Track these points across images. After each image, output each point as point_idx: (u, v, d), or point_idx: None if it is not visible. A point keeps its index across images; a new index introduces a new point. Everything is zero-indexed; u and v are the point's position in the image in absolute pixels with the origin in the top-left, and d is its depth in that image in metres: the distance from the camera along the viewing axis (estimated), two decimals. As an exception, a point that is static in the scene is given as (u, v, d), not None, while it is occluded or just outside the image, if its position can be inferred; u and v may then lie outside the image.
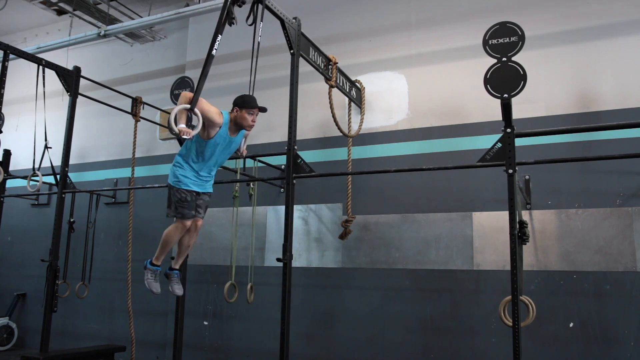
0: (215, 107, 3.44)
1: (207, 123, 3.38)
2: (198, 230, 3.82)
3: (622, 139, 4.31)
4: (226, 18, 3.31)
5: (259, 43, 3.48)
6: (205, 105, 3.35)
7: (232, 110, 3.55)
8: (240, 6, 3.40)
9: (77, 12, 7.01)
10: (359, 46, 5.71)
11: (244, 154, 3.84)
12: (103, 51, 7.73)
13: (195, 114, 3.23)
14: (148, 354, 6.17)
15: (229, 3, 3.29)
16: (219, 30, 3.27)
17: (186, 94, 3.32)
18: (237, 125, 3.56)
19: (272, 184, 5.70)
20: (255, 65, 3.48)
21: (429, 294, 4.89)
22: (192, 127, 3.26)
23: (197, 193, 3.62)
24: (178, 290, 4.00)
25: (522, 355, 3.01)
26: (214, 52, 3.24)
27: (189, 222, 3.63)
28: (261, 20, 3.47)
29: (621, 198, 4.39)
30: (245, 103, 3.52)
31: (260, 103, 3.57)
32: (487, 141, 3.58)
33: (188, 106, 3.19)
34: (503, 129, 3.28)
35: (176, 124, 3.14)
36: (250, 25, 3.45)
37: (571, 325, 4.35)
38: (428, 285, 4.91)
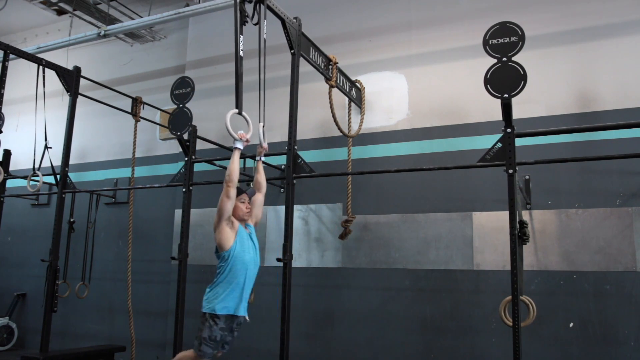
0: (225, 229, 3.50)
1: (231, 232, 3.49)
2: None
3: (622, 139, 4.31)
4: (241, 17, 3.32)
5: (264, 41, 3.48)
6: (225, 232, 3.48)
7: None
8: (250, 1, 3.41)
9: (77, 12, 7.01)
10: (359, 46, 5.71)
11: (265, 149, 3.89)
12: (103, 51, 7.73)
13: (245, 118, 3.48)
14: (148, 354, 6.17)
15: (240, 2, 3.30)
16: (238, 30, 3.27)
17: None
18: (238, 219, 3.61)
19: (272, 184, 5.70)
20: (264, 63, 3.49)
21: (429, 294, 4.89)
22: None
23: (234, 319, 3.49)
24: None
25: (522, 355, 3.01)
26: (241, 53, 3.24)
27: None
28: (264, 18, 3.47)
29: (621, 198, 4.39)
30: None
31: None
32: (487, 141, 3.58)
33: (236, 110, 3.40)
34: (503, 129, 3.29)
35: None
36: (255, 24, 3.46)
37: (571, 325, 4.35)
38: (428, 285, 4.91)
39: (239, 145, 3.48)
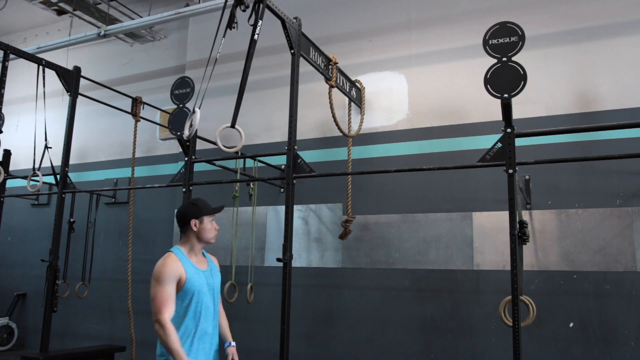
0: (166, 265, 2.70)
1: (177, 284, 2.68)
2: None
3: (622, 139, 4.31)
4: (229, 22, 3.31)
5: (255, 41, 3.47)
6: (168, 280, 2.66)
7: (187, 229, 2.85)
8: (243, 10, 3.40)
9: (77, 12, 7.01)
10: (359, 46, 5.71)
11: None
12: (103, 51, 7.73)
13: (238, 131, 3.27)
14: (148, 354, 6.16)
15: (232, 7, 3.30)
16: (220, 33, 3.27)
17: None
18: (204, 241, 2.87)
19: (272, 184, 5.70)
20: (249, 64, 3.46)
21: (429, 294, 4.89)
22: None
23: None
24: None
25: (522, 355, 3.01)
26: (217, 55, 3.24)
27: None
28: (260, 19, 3.46)
29: (621, 198, 4.39)
30: (201, 210, 2.81)
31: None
32: (487, 141, 3.58)
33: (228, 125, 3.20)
34: (503, 129, 3.28)
35: None
36: (252, 25, 3.46)
37: (571, 325, 4.35)
38: (428, 285, 4.91)
39: None
